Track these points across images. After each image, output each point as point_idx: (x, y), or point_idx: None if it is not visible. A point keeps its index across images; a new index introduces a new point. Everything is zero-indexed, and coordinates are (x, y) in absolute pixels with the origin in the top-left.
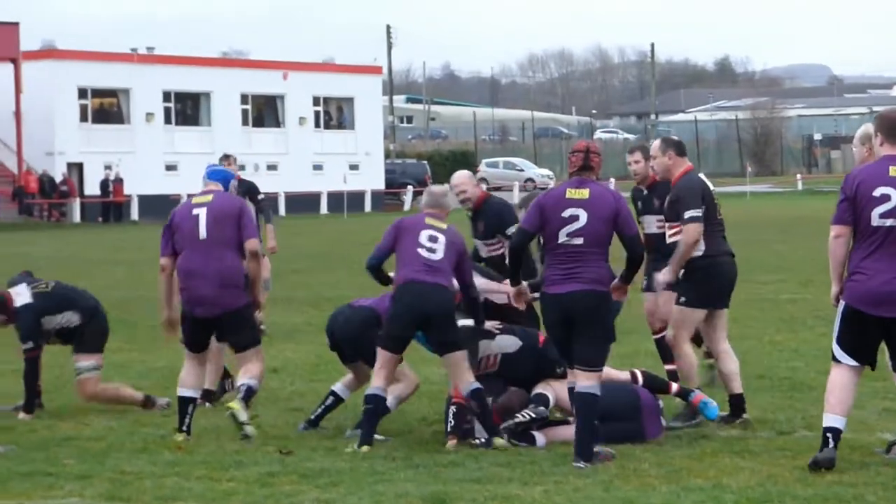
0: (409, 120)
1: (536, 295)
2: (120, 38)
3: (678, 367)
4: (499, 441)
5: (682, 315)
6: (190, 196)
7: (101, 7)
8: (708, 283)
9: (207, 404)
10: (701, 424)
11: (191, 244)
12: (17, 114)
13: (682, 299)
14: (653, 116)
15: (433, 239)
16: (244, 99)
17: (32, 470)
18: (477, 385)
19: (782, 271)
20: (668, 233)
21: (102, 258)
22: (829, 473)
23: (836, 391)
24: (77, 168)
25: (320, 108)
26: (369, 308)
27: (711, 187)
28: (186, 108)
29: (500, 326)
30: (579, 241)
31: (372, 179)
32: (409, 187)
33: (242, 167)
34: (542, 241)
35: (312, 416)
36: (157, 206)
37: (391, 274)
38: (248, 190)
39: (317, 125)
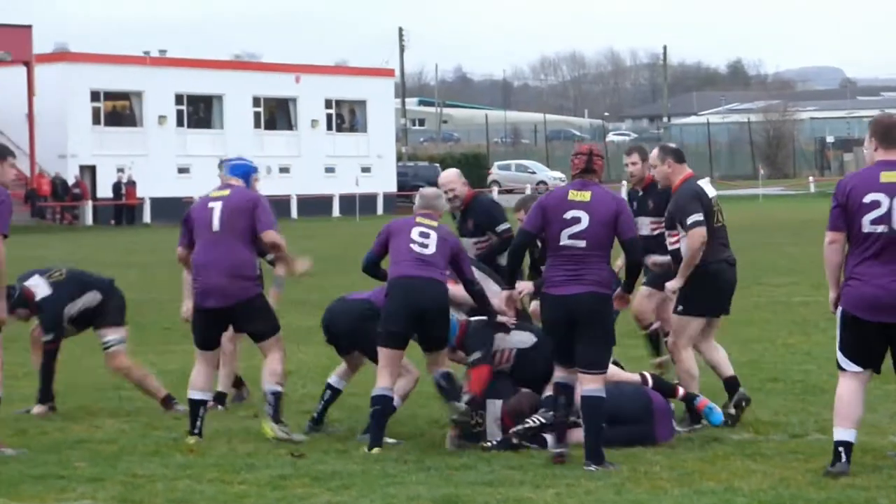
0: (422, 122)
1: (535, 302)
2: (132, 40)
3: (677, 372)
4: (457, 405)
5: (681, 323)
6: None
7: (113, 10)
8: (705, 291)
9: (220, 407)
10: (704, 428)
11: (204, 236)
12: (30, 116)
13: (680, 308)
14: (665, 119)
15: (425, 235)
16: (256, 102)
17: (44, 473)
18: (449, 370)
19: (795, 274)
20: (669, 240)
21: (115, 261)
22: (842, 477)
23: (844, 403)
24: (90, 171)
25: (332, 111)
26: (366, 300)
27: (713, 194)
28: (199, 111)
29: (514, 322)
30: (582, 243)
31: (384, 182)
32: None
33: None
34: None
35: (315, 415)
36: (169, 208)
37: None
38: None
39: (329, 128)
